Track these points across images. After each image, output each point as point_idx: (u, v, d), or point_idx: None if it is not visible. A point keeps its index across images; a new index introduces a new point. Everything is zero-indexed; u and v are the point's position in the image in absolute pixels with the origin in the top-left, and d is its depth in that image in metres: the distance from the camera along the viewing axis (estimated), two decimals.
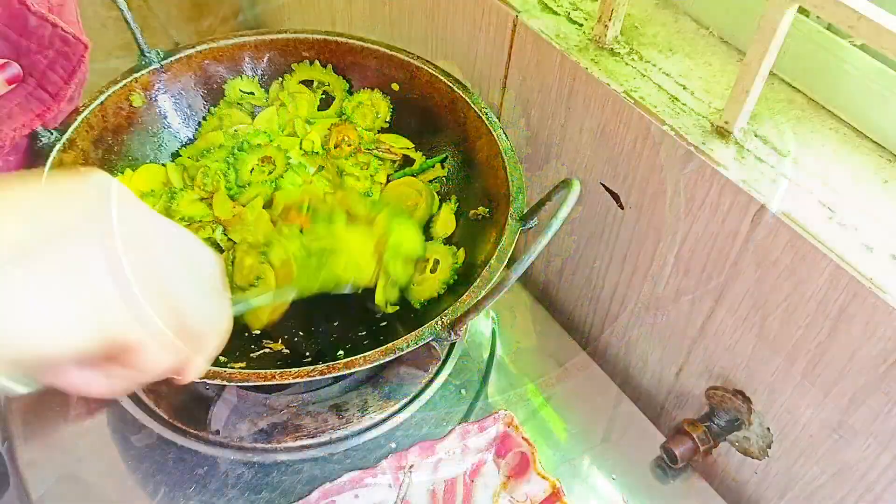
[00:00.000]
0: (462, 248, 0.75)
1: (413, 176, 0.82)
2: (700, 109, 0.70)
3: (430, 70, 0.81)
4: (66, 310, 0.35)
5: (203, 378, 0.58)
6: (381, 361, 0.60)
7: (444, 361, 0.78)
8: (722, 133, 0.68)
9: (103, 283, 0.36)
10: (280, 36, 0.84)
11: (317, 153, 0.82)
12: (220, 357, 0.69)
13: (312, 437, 0.71)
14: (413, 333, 0.61)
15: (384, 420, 0.73)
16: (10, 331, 0.34)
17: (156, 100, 0.81)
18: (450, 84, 0.80)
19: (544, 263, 0.92)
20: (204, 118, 0.84)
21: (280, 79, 0.86)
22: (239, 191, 0.78)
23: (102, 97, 0.75)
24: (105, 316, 0.36)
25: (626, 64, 0.74)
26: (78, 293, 0.36)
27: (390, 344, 0.61)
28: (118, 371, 0.39)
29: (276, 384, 0.72)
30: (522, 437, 0.70)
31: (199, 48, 0.81)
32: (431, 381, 0.76)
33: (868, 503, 0.65)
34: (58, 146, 0.71)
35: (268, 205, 0.78)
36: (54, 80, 0.65)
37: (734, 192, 0.64)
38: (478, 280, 0.64)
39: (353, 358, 0.60)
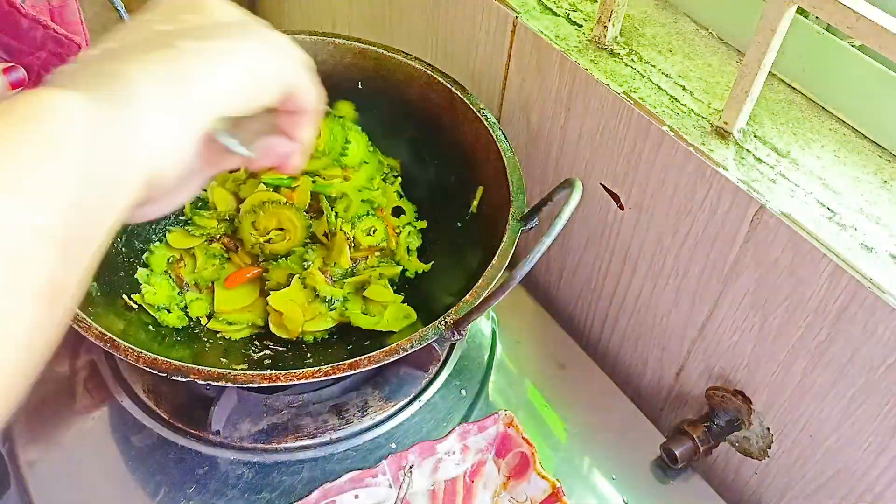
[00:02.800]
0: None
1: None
2: (699, 110, 0.70)
3: (427, 71, 0.81)
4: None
5: (207, 380, 0.58)
6: (386, 362, 0.60)
7: (445, 362, 0.78)
8: (721, 133, 0.68)
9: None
10: None
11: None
12: (222, 359, 0.70)
13: (312, 438, 0.71)
14: (416, 333, 0.61)
15: (384, 420, 0.73)
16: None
17: None
18: (448, 85, 0.80)
19: (544, 264, 0.92)
20: None
21: None
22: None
23: None
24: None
25: (626, 65, 0.74)
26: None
27: (394, 344, 0.61)
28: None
29: (278, 385, 0.72)
30: (522, 437, 0.70)
31: None
32: (432, 381, 0.76)
33: (868, 503, 0.65)
34: None
35: None
36: None
37: (734, 193, 0.64)
38: (480, 280, 0.65)
39: (357, 358, 0.60)
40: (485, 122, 0.76)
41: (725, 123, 0.67)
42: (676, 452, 0.71)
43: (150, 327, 0.71)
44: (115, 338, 0.60)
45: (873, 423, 0.61)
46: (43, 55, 0.64)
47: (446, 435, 0.70)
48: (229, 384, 0.60)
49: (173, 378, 0.58)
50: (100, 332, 0.60)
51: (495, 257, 0.66)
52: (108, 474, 0.69)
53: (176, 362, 0.59)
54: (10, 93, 0.64)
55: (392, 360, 0.60)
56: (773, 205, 0.62)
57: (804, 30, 0.68)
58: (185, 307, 0.75)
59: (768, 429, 0.71)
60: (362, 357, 0.60)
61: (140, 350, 0.60)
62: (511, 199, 0.71)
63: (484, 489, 0.69)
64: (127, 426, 0.71)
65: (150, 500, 0.67)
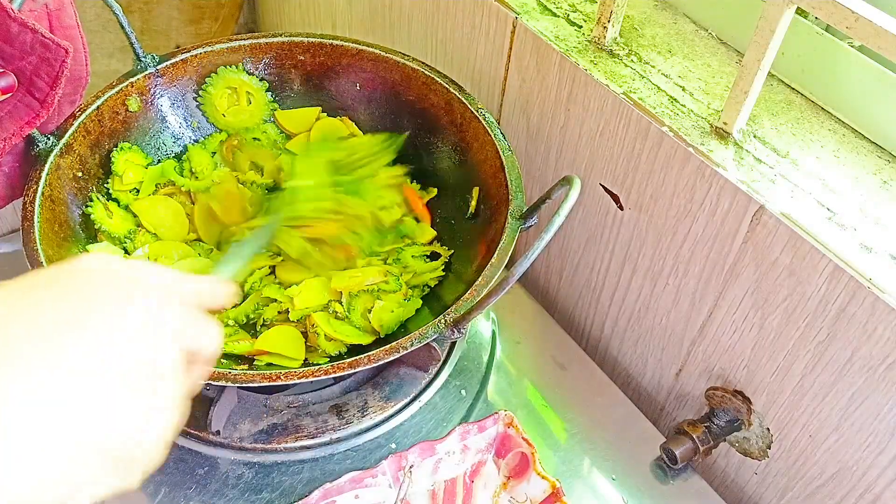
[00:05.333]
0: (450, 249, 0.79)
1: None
2: (699, 110, 0.70)
3: (425, 72, 0.81)
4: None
5: (209, 379, 0.58)
6: (386, 360, 0.60)
7: (445, 362, 0.78)
8: (721, 134, 0.68)
9: None
10: (276, 39, 0.84)
11: None
12: (223, 360, 0.70)
13: (313, 438, 0.71)
14: (417, 332, 0.61)
15: (384, 420, 0.73)
16: None
17: (152, 104, 0.81)
18: (445, 85, 0.80)
19: (544, 264, 0.92)
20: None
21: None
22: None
23: (98, 102, 0.76)
24: None
25: (626, 65, 0.75)
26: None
27: (395, 343, 0.61)
28: None
29: (279, 385, 0.72)
30: (522, 438, 0.70)
31: (194, 52, 0.82)
32: (431, 381, 0.76)
33: (868, 503, 0.65)
34: (55, 151, 0.71)
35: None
36: (41, 86, 0.65)
37: (733, 193, 0.64)
38: (480, 278, 0.65)
39: (357, 357, 0.60)
40: (483, 122, 0.77)
41: (725, 124, 0.67)
42: (676, 452, 0.71)
43: None
44: None
45: (873, 423, 0.61)
46: (34, 60, 0.64)
47: (446, 435, 0.70)
48: (229, 384, 0.60)
49: None
50: None
51: (494, 255, 0.67)
52: None
53: None
54: (0, 97, 0.64)
55: (392, 358, 0.60)
56: (773, 205, 0.62)
57: (804, 30, 0.68)
58: None
59: (768, 429, 0.71)
60: (362, 356, 0.60)
61: None
62: (510, 197, 0.71)
63: (484, 489, 0.69)
64: None
65: (150, 500, 0.67)
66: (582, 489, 0.71)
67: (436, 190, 0.83)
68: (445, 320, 0.62)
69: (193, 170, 0.81)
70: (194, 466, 0.69)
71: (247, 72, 0.84)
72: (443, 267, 0.77)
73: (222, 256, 0.60)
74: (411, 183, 0.83)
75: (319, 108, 0.87)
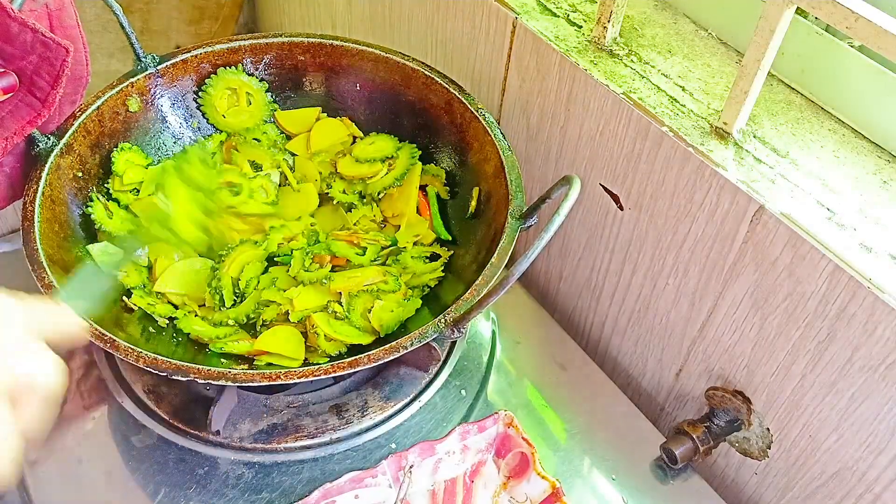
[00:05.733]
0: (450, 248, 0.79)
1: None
2: (699, 110, 0.70)
3: (425, 72, 0.81)
4: None
5: (207, 379, 0.58)
6: (386, 360, 0.60)
7: (444, 362, 0.78)
8: (721, 134, 0.68)
9: None
10: (276, 39, 0.84)
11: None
12: (222, 360, 0.70)
13: (313, 438, 0.71)
14: (417, 331, 0.62)
15: (384, 420, 0.73)
16: None
17: (153, 104, 0.81)
18: (445, 85, 0.80)
19: (544, 264, 0.93)
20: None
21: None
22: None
23: (98, 102, 0.76)
24: None
25: (626, 65, 0.75)
26: None
27: (395, 342, 0.61)
28: None
29: (279, 384, 0.72)
30: (522, 437, 0.70)
31: (195, 52, 0.82)
32: (431, 381, 0.76)
33: (868, 503, 0.65)
34: (55, 151, 0.71)
35: None
36: (42, 85, 0.65)
37: (733, 193, 0.64)
38: (479, 278, 0.65)
39: (357, 357, 0.60)
40: (483, 122, 0.77)
41: (725, 124, 0.67)
42: (676, 452, 0.71)
43: (151, 329, 0.71)
44: (114, 338, 0.60)
45: (873, 423, 0.61)
46: (34, 59, 0.64)
47: (446, 435, 0.70)
48: (229, 383, 0.60)
49: (174, 378, 0.58)
50: (99, 332, 0.60)
51: (494, 255, 0.67)
52: (108, 474, 0.69)
53: (176, 362, 0.59)
54: (1, 97, 0.65)
55: (392, 358, 0.60)
56: (773, 205, 0.62)
57: (804, 30, 0.68)
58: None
59: (768, 429, 0.71)
60: (362, 356, 0.60)
61: (140, 350, 0.60)
62: (510, 197, 0.71)
63: (484, 489, 0.69)
64: (127, 426, 0.71)
65: (150, 501, 0.67)
66: (582, 489, 0.71)
67: (443, 172, 0.83)
68: (445, 320, 0.62)
69: None
70: (194, 466, 0.69)
71: (246, 72, 0.84)
72: (442, 267, 0.77)
73: (67, 283, 0.64)
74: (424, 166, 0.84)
75: (319, 109, 0.87)
